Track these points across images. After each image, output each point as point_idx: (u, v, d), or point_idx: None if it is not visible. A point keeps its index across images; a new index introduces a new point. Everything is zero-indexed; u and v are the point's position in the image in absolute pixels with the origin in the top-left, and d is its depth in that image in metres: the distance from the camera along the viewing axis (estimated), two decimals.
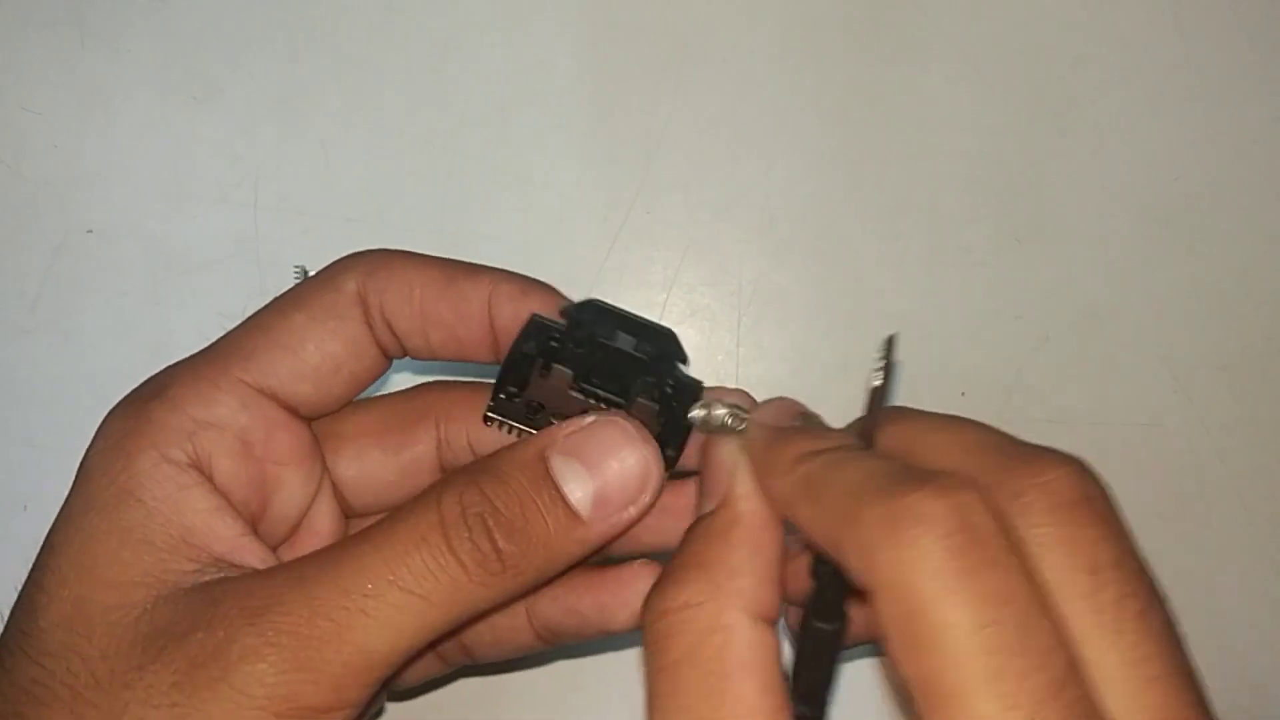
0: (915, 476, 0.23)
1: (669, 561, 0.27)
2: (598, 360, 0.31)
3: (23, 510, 0.41)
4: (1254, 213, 0.43)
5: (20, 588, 0.29)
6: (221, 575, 0.29)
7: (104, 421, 0.30)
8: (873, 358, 0.29)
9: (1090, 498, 0.25)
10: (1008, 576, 0.22)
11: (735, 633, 0.25)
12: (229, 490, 0.30)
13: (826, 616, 0.27)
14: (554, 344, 0.31)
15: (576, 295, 0.32)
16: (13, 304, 0.42)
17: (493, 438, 0.32)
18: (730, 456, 0.29)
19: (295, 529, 0.33)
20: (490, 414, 0.32)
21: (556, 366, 0.31)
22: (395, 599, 0.28)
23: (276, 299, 0.32)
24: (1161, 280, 0.42)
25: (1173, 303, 0.42)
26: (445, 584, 0.28)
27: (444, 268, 0.32)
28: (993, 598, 0.22)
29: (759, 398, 0.42)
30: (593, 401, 0.31)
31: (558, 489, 0.29)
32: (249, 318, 0.32)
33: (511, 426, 0.32)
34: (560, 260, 0.42)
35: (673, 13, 0.43)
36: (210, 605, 0.28)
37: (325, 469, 0.33)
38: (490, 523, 0.28)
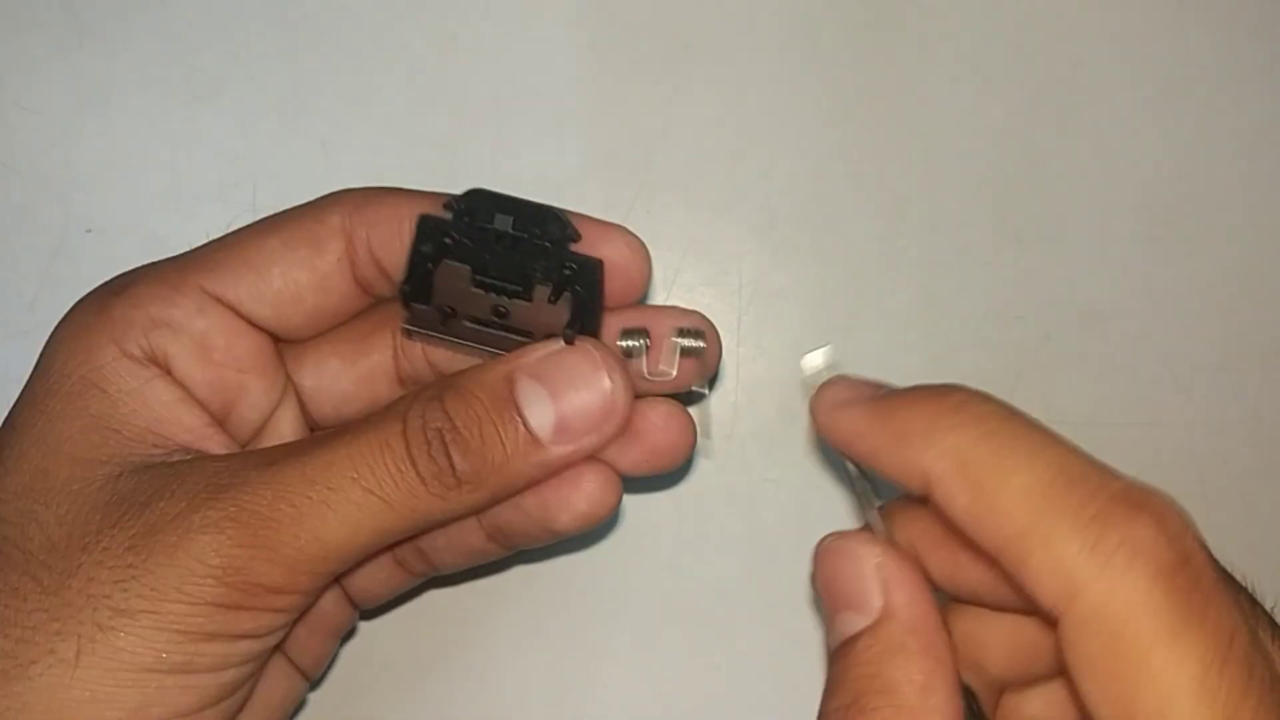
0: (1120, 489, 0.22)
1: (832, 695, 0.25)
2: (494, 251, 0.30)
3: None
4: (1254, 213, 0.43)
5: None
6: (189, 457, 0.30)
7: (68, 313, 0.31)
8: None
9: (1193, 551, 0.22)
10: (1228, 615, 0.21)
11: None
12: (188, 387, 0.31)
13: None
14: (447, 241, 0.30)
15: None
16: (11, 304, 0.42)
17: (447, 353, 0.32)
18: (865, 560, 0.27)
19: (259, 433, 0.33)
20: (407, 326, 0.32)
21: (451, 263, 0.30)
22: (356, 496, 0.28)
23: (261, 219, 0.32)
24: (1161, 280, 0.42)
25: (1173, 303, 0.42)
26: (404, 490, 0.29)
27: (435, 202, 0.32)
28: (1215, 640, 0.21)
29: (760, 398, 0.42)
30: (495, 296, 0.30)
31: (519, 412, 0.30)
32: (231, 232, 0.33)
33: (430, 337, 0.31)
34: None
35: (673, 13, 0.43)
36: (174, 478, 0.28)
37: (289, 380, 0.34)
38: (448, 439, 0.29)
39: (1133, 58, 0.43)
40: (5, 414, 0.31)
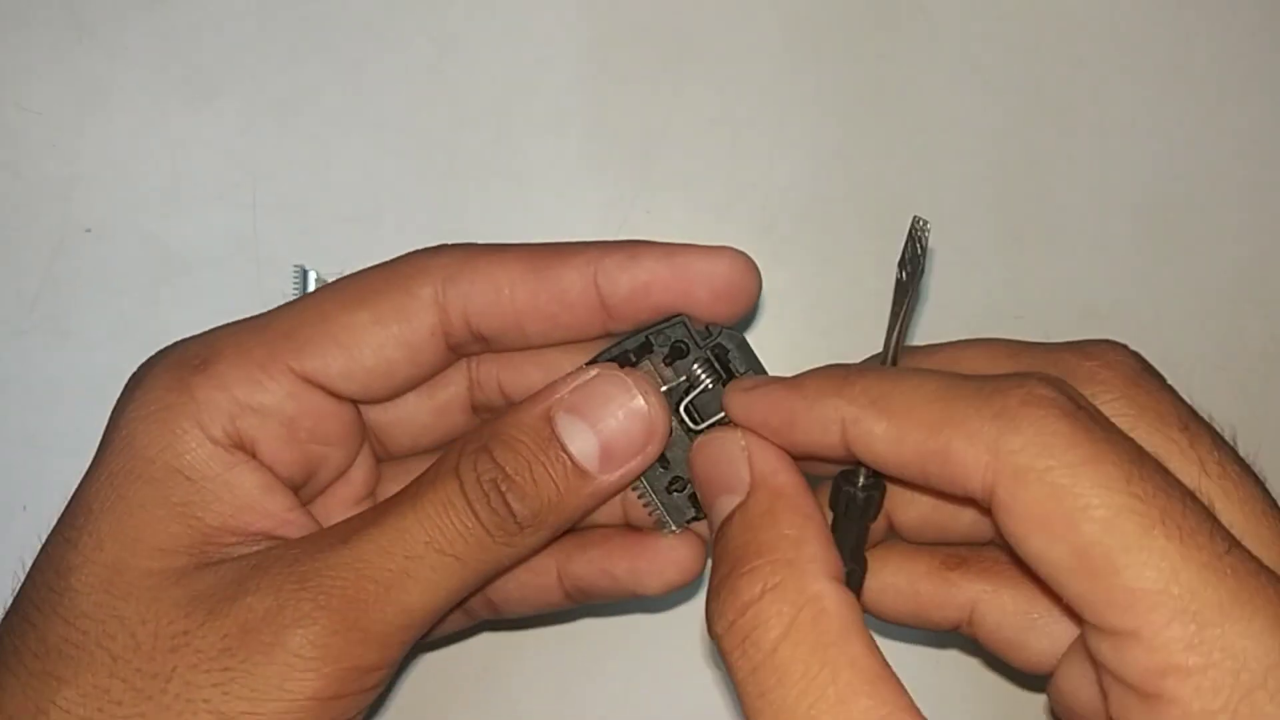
0: (1003, 378, 0.24)
1: (714, 572, 0.27)
2: (702, 389, 0.31)
3: (22, 510, 0.41)
4: (1254, 213, 0.43)
5: (44, 544, 0.29)
6: (267, 546, 0.29)
7: (143, 382, 0.30)
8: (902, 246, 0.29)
9: (1150, 368, 0.28)
10: (1128, 438, 0.23)
11: (826, 599, 0.25)
12: (273, 468, 0.30)
13: (854, 481, 0.28)
14: (681, 346, 0.31)
15: None
16: (11, 304, 0.42)
17: (522, 381, 0.32)
18: (731, 444, 0.29)
19: (332, 485, 0.33)
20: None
21: (666, 369, 0.31)
22: (432, 559, 0.29)
23: (342, 283, 0.32)
24: (1161, 280, 0.42)
25: (1173, 303, 0.42)
26: (474, 545, 0.29)
27: (531, 258, 0.31)
28: (1129, 456, 0.23)
29: None
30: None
31: (563, 448, 0.30)
32: (310, 297, 0.32)
33: None
34: None
35: (673, 13, 0.43)
36: (257, 571, 0.28)
37: (367, 432, 0.33)
38: (503, 487, 0.29)
39: (1133, 58, 0.43)
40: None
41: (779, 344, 0.42)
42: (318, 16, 0.43)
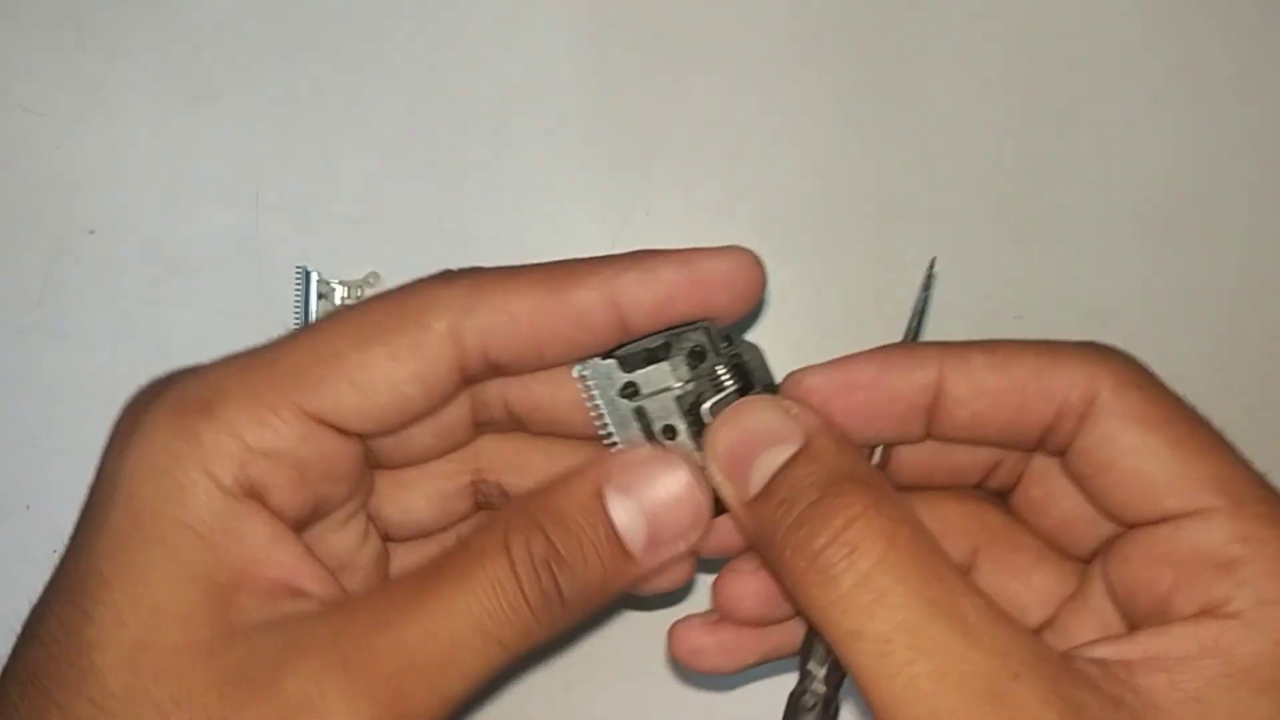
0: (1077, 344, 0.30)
1: (781, 515, 0.28)
2: (725, 394, 0.32)
3: (25, 510, 0.41)
4: (1254, 213, 0.43)
5: (50, 600, 0.28)
6: (289, 609, 0.28)
7: (142, 426, 0.28)
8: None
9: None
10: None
11: (914, 519, 0.27)
12: (283, 514, 0.29)
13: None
14: (700, 350, 0.31)
15: None
16: (14, 304, 0.42)
17: (528, 397, 0.32)
18: (771, 404, 0.30)
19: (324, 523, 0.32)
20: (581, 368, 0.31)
21: (685, 369, 0.31)
22: (479, 645, 0.28)
23: (351, 316, 0.30)
24: (1161, 280, 0.42)
25: (1173, 303, 0.42)
26: (518, 627, 0.28)
27: (546, 281, 0.30)
28: (1185, 412, 0.29)
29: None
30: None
31: (615, 531, 0.29)
32: (317, 331, 0.30)
33: (593, 398, 0.31)
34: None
35: (673, 13, 0.43)
36: (292, 650, 0.27)
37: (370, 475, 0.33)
38: (555, 568, 0.28)
39: (1133, 58, 0.43)
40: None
41: (779, 344, 0.42)
42: (318, 16, 0.43)
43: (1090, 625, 0.30)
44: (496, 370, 0.31)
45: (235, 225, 0.42)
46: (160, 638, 0.27)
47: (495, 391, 0.32)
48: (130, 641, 0.27)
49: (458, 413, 0.32)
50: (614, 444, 0.31)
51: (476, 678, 0.28)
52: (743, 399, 0.31)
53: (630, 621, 0.41)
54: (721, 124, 0.43)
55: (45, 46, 0.42)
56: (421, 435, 0.32)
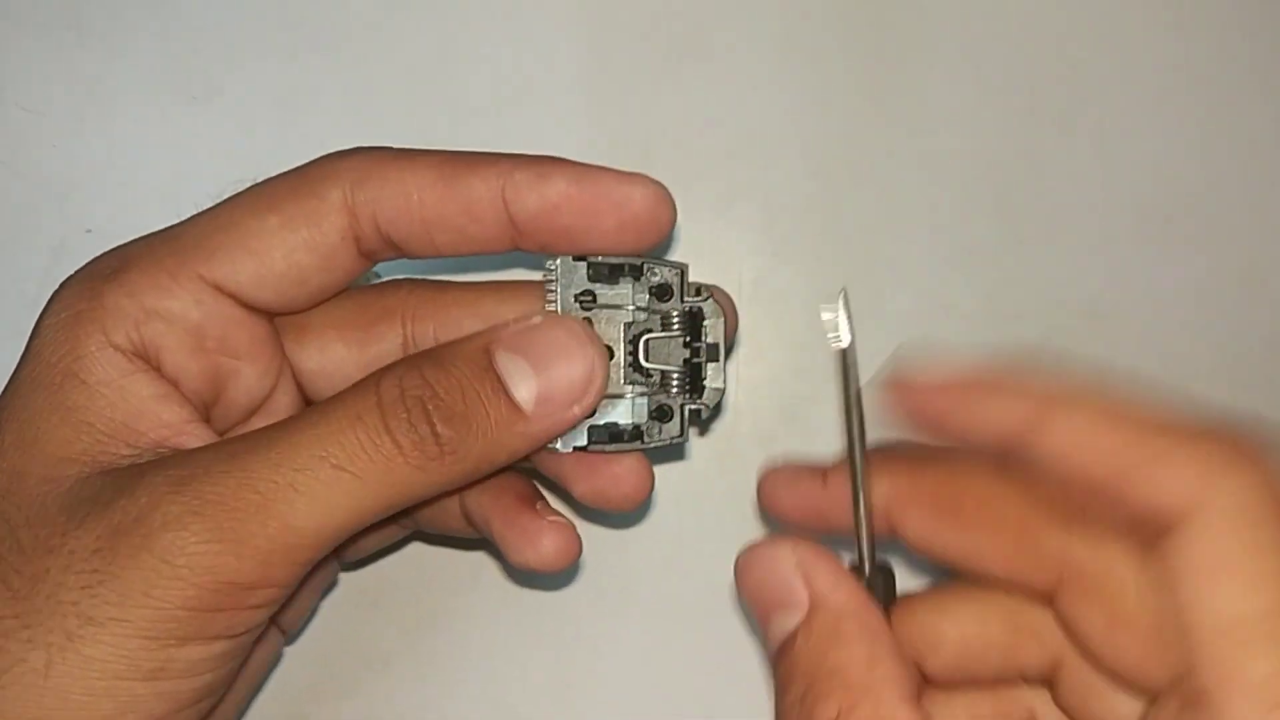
0: (1198, 421, 0.25)
1: (784, 693, 0.27)
2: (667, 335, 0.31)
3: None
4: (1254, 213, 0.43)
5: None
6: (159, 456, 0.29)
7: (58, 292, 0.30)
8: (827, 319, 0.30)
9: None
10: None
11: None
12: (177, 379, 0.30)
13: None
14: (668, 289, 0.31)
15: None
16: (13, 304, 0.42)
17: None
18: (783, 559, 0.28)
19: (252, 415, 0.33)
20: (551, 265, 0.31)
21: (644, 298, 0.31)
22: (326, 475, 0.27)
23: (253, 190, 0.31)
24: (1161, 280, 0.42)
25: (1173, 303, 0.42)
26: (379, 463, 0.27)
27: (443, 165, 0.31)
28: None
29: (759, 398, 0.42)
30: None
31: (500, 380, 0.29)
32: (221, 204, 0.31)
33: (553, 293, 0.31)
34: None
35: (673, 13, 0.43)
36: (138, 475, 0.27)
37: (285, 360, 0.33)
38: (429, 406, 0.28)
39: (1133, 58, 0.43)
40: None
41: (779, 344, 0.42)
42: (318, 16, 0.43)
43: None
44: (393, 248, 0.31)
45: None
46: (33, 469, 0.28)
47: (425, 331, 0.33)
48: (7, 471, 0.28)
49: (386, 349, 0.33)
50: None
51: (330, 509, 0.27)
52: (763, 544, 0.29)
53: (630, 621, 0.41)
54: (721, 123, 0.43)
55: (44, 46, 0.42)
56: (346, 366, 0.33)
